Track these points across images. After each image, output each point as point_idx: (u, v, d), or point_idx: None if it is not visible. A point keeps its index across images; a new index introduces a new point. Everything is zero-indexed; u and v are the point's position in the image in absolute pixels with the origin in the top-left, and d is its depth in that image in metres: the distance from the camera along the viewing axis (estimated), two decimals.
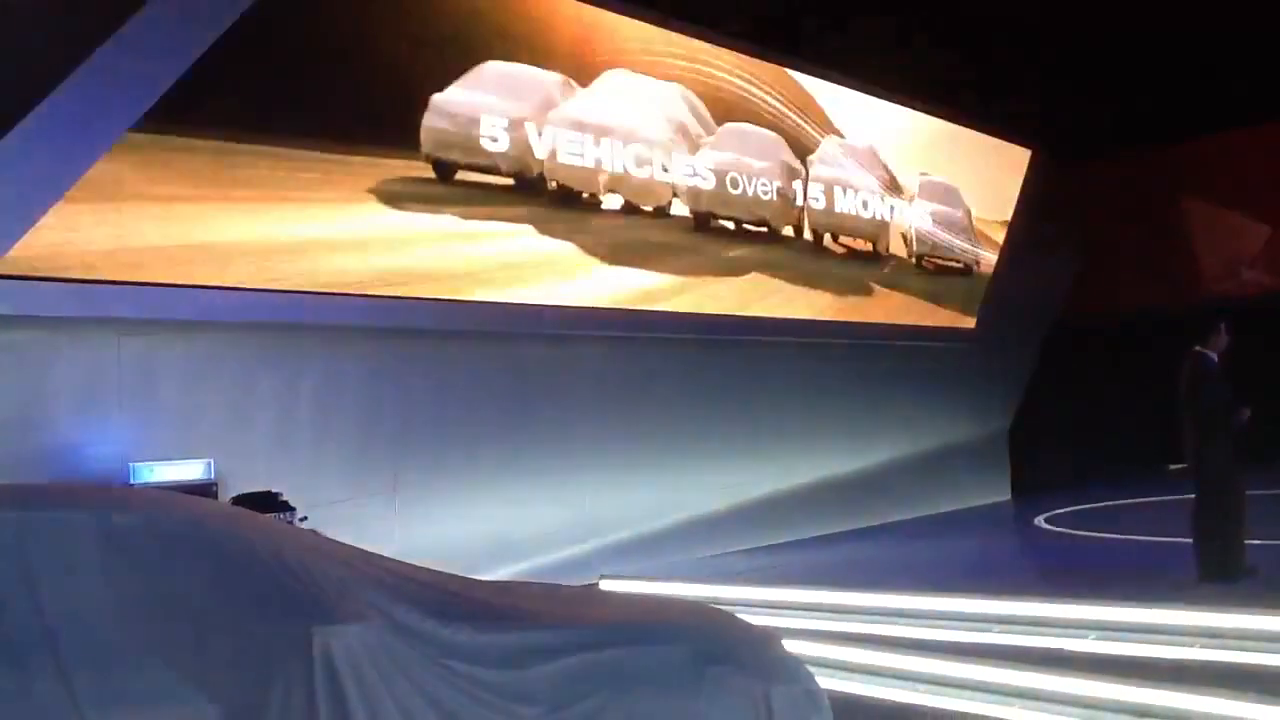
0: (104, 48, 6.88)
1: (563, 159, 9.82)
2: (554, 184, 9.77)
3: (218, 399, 7.65)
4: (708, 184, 11.21)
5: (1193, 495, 6.84)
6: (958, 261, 14.73)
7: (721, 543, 10.67)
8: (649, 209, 10.64)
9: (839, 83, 12.94)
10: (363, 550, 3.21)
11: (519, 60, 9.56)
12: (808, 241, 12.42)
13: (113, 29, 6.92)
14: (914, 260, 13.97)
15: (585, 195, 10.04)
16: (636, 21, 10.78)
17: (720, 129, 11.44)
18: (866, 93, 13.34)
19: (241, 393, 7.81)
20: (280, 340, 8.03)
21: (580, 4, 10.23)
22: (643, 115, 10.69)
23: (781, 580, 8.55)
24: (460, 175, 9.05)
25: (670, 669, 3.10)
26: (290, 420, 8.02)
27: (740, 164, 11.59)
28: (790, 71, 12.38)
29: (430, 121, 8.83)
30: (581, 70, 10.13)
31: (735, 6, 11.25)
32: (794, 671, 3.39)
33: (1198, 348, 6.90)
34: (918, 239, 14.02)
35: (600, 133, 10.19)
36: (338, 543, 3.22)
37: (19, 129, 6.55)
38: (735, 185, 11.51)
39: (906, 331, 13.42)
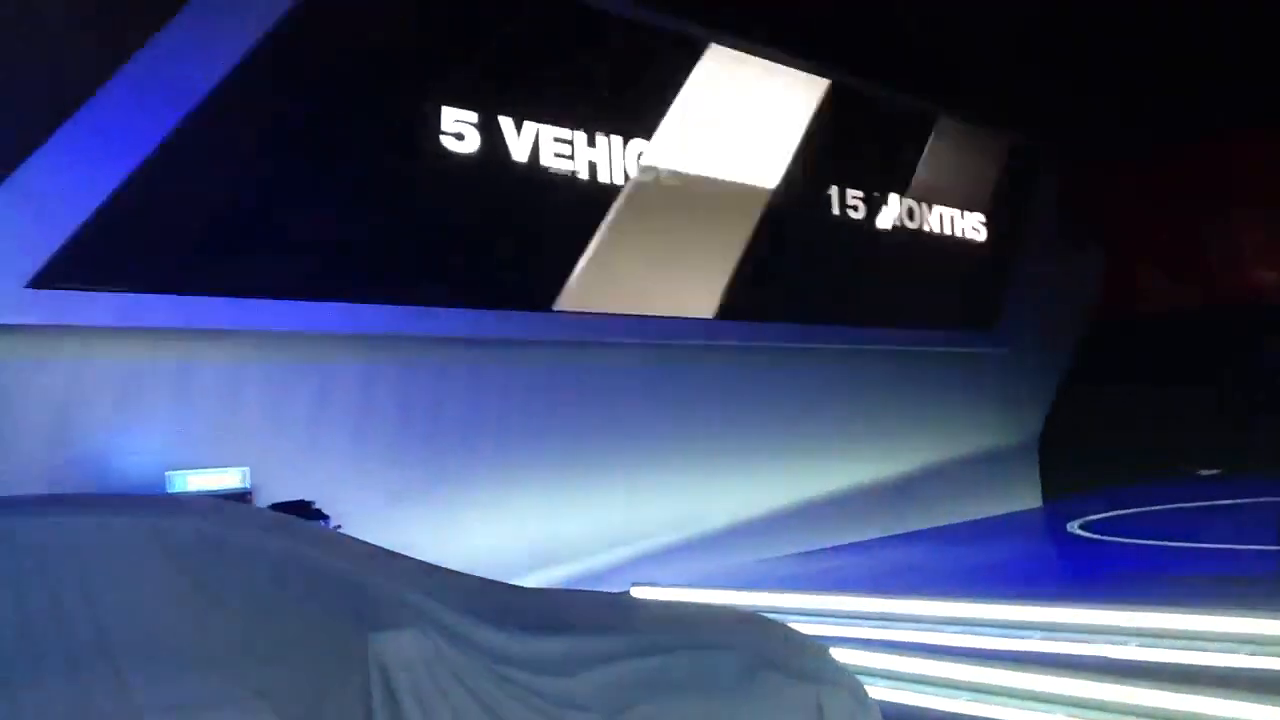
0: (136, 56, 6.96)
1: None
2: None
3: (252, 407, 7.68)
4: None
5: None
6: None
7: (753, 550, 10.61)
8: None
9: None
10: (411, 557, 3.20)
11: None
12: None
13: (145, 38, 7.00)
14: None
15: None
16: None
17: None
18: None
19: (275, 401, 7.84)
20: (313, 349, 8.06)
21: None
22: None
23: (815, 587, 8.47)
24: None
25: (722, 676, 3.07)
26: (323, 428, 8.04)
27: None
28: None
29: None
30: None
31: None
32: (845, 679, 3.36)
33: None
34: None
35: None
36: (386, 549, 3.21)
37: (55, 138, 6.62)
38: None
39: (937, 337, 13.35)
